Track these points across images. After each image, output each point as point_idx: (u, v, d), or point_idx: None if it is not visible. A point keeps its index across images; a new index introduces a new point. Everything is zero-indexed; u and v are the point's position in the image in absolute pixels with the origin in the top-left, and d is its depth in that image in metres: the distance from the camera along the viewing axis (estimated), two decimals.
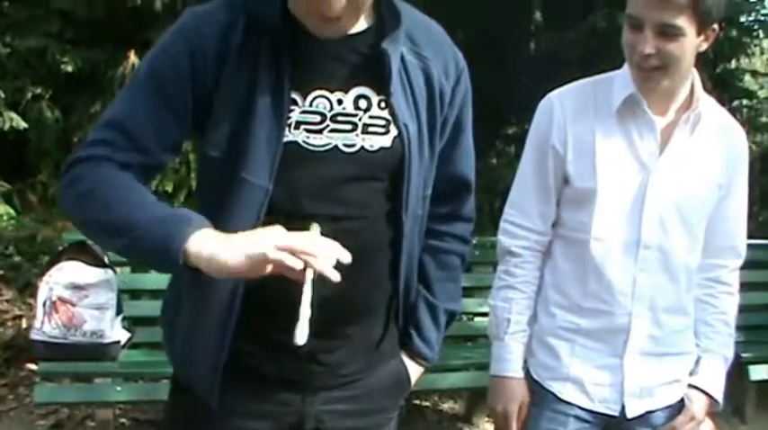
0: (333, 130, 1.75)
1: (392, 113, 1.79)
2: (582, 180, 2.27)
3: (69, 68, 6.01)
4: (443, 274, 2.04)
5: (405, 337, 2.00)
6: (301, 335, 1.54)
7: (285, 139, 1.71)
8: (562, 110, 2.29)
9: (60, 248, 4.10)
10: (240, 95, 1.71)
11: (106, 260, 3.97)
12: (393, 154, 1.79)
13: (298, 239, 1.55)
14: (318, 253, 1.54)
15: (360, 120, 1.77)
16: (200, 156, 1.78)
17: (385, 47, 1.75)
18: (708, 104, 2.29)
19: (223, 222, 1.66)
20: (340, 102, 1.76)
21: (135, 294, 4.29)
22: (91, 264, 3.92)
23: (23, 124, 5.80)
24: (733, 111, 6.75)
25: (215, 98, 1.72)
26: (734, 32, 7.60)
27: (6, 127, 5.72)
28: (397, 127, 1.79)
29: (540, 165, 2.33)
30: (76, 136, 6.17)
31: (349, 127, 1.76)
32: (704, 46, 2.19)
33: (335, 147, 1.75)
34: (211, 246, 1.57)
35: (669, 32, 2.10)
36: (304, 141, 1.73)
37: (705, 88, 2.32)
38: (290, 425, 1.88)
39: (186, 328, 1.84)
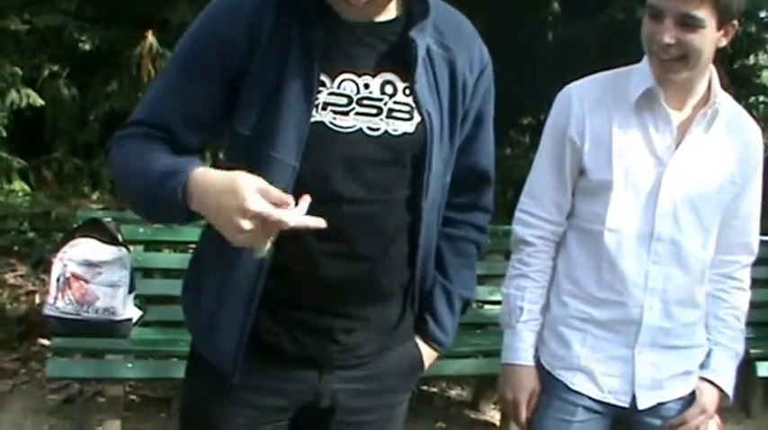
0: (358, 113, 1.78)
1: (416, 100, 1.81)
2: (598, 172, 2.27)
3: (87, 47, 6.02)
4: (459, 261, 2.07)
5: (420, 322, 2.03)
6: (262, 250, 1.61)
7: (312, 119, 1.74)
8: (580, 102, 2.30)
9: (75, 225, 4.12)
10: (270, 76, 1.74)
11: (120, 238, 3.99)
12: (415, 140, 1.82)
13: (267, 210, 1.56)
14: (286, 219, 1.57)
15: (385, 104, 1.80)
16: (230, 135, 1.81)
17: (413, 36, 1.79)
18: (725, 101, 2.29)
19: None
20: (367, 86, 1.79)
21: (148, 272, 4.32)
22: (105, 242, 3.94)
23: (40, 101, 5.82)
24: (750, 108, 6.74)
25: (246, 79, 1.75)
26: (753, 28, 7.55)
27: (23, 104, 5.74)
28: (421, 114, 1.82)
29: (556, 156, 2.33)
30: (92, 114, 6.21)
31: (374, 111, 1.79)
32: (723, 42, 2.19)
33: (360, 129, 1.78)
34: (203, 212, 1.65)
35: (689, 23, 2.11)
36: (330, 122, 1.76)
37: (722, 84, 2.33)
38: (306, 402, 1.92)
39: (210, 305, 1.87)
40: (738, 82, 7.27)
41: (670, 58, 2.15)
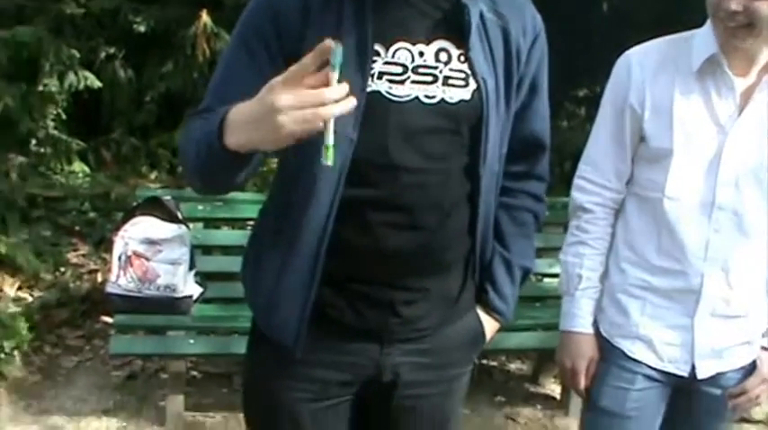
0: (414, 82, 1.77)
1: (471, 67, 1.80)
2: (658, 139, 2.25)
3: (142, 28, 6.07)
4: (517, 230, 2.06)
5: (481, 293, 2.03)
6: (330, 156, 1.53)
7: (368, 89, 1.73)
8: (641, 68, 2.27)
9: (134, 204, 4.18)
10: None
11: (180, 216, 4.04)
12: (472, 107, 1.81)
13: (306, 98, 1.49)
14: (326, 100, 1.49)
15: (440, 72, 1.79)
16: None
17: (465, 1, 1.78)
18: None
19: (309, 173, 1.74)
20: (421, 54, 1.77)
21: (207, 250, 4.36)
22: (164, 220, 4.00)
23: (98, 83, 5.88)
24: None
25: (301, 54, 1.69)
26: None
27: (81, 86, 5.80)
28: (476, 81, 1.81)
29: (616, 123, 2.31)
30: (149, 95, 6.27)
31: (430, 78, 1.78)
32: None
33: (417, 98, 1.77)
34: (237, 138, 1.58)
35: None
36: (387, 91, 1.75)
37: None
38: (369, 377, 1.94)
39: (272, 280, 1.87)
40: None
41: (736, 25, 2.11)
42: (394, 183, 1.76)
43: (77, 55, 5.83)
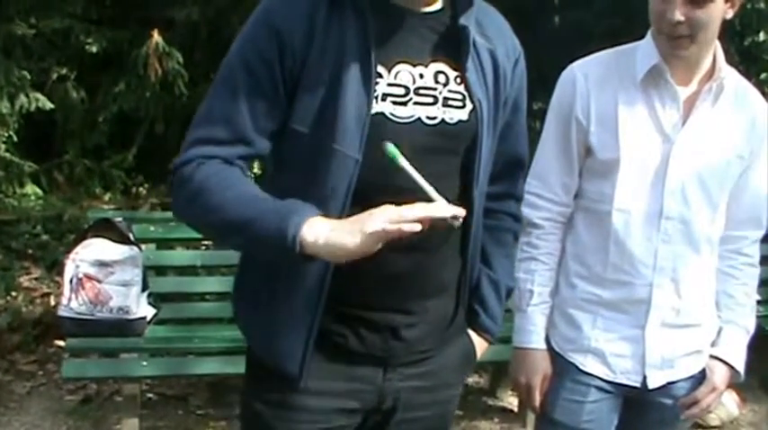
0: (416, 103, 1.79)
1: (467, 89, 1.84)
2: (605, 151, 2.26)
3: (94, 49, 6.03)
4: (501, 251, 2.10)
5: (471, 314, 2.05)
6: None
7: (373, 111, 1.74)
8: (585, 81, 2.29)
9: (86, 226, 4.13)
10: (328, 69, 1.73)
11: (131, 237, 4.00)
12: (469, 128, 1.85)
13: (406, 210, 1.59)
14: (428, 212, 1.60)
15: (440, 93, 1.81)
16: (285, 133, 1.78)
17: (464, 23, 1.82)
18: (730, 75, 2.27)
19: (315, 194, 1.73)
20: (422, 76, 1.80)
21: (160, 270, 4.32)
22: (116, 241, 3.95)
23: (49, 105, 5.82)
24: (760, 85, 6.68)
25: (303, 74, 1.74)
26: (762, 4, 7.50)
27: (32, 108, 5.73)
28: (473, 102, 1.85)
29: (562, 137, 2.32)
30: (102, 115, 6.22)
31: (431, 100, 1.80)
32: (730, 13, 2.17)
33: (419, 119, 1.79)
34: (326, 232, 1.62)
35: None
36: (390, 113, 1.77)
37: (732, 61, 2.31)
38: (372, 404, 1.93)
39: (274, 307, 1.86)
40: (749, 59, 7.21)
41: (679, 35, 2.13)
42: (397, 205, 1.71)
43: (28, 76, 5.77)
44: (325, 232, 1.61)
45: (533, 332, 2.37)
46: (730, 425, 4.66)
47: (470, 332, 2.06)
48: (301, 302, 1.81)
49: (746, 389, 4.73)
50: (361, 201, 1.72)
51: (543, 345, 2.38)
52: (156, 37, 5.80)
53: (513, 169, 2.11)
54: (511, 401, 4.73)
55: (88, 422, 4.27)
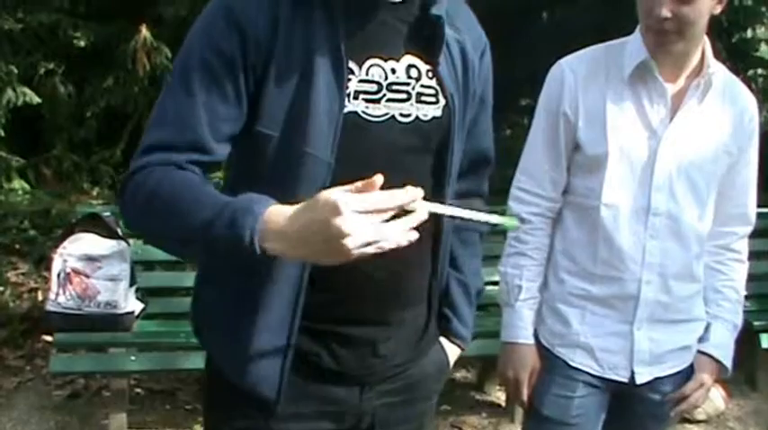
0: (390, 100, 1.68)
1: (440, 83, 1.74)
2: (593, 146, 2.26)
3: (82, 43, 6.03)
4: (468, 251, 2.01)
5: (442, 320, 1.96)
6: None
7: (345, 110, 1.62)
8: (573, 76, 2.29)
9: (73, 221, 4.12)
10: (295, 66, 1.60)
11: (119, 231, 4.00)
12: (443, 124, 1.75)
13: (372, 232, 1.38)
14: (391, 238, 1.40)
15: (413, 89, 1.71)
16: (250, 140, 1.64)
17: (437, 12, 1.71)
18: (718, 71, 2.28)
19: (286, 201, 1.52)
20: (394, 71, 1.69)
21: (148, 265, 4.33)
22: (104, 236, 3.95)
23: (37, 99, 5.81)
24: (748, 81, 6.71)
25: (269, 72, 1.60)
26: (749, 1, 7.52)
27: (20, 102, 5.74)
28: (445, 97, 1.75)
29: (550, 132, 2.32)
30: (90, 110, 6.22)
31: (404, 96, 1.70)
32: (718, 9, 2.18)
33: (393, 117, 1.68)
34: (284, 249, 1.44)
35: None
36: (363, 111, 1.65)
37: (719, 58, 2.31)
38: (349, 423, 1.82)
39: (244, 328, 1.70)
40: (737, 56, 7.24)
41: (667, 31, 2.14)
42: None
43: (15, 71, 5.75)
44: (282, 250, 1.44)
45: (521, 327, 2.37)
46: (717, 419, 4.68)
47: (442, 339, 1.96)
48: (275, 320, 1.68)
49: (733, 384, 4.76)
50: None
51: (531, 340, 2.38)
52: (145, 32, 5.80)
53: (479, 166, 2.00)
54: (499, 396, 4.74)
55: (76, 417, 4.26)
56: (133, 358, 3.89)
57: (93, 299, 3.85)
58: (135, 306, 4.00)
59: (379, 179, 1.39)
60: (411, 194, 1.41)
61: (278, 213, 1.44)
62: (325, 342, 1.73)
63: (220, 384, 1.78)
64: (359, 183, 1.40)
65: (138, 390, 4.48)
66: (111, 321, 3.89)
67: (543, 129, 2.35)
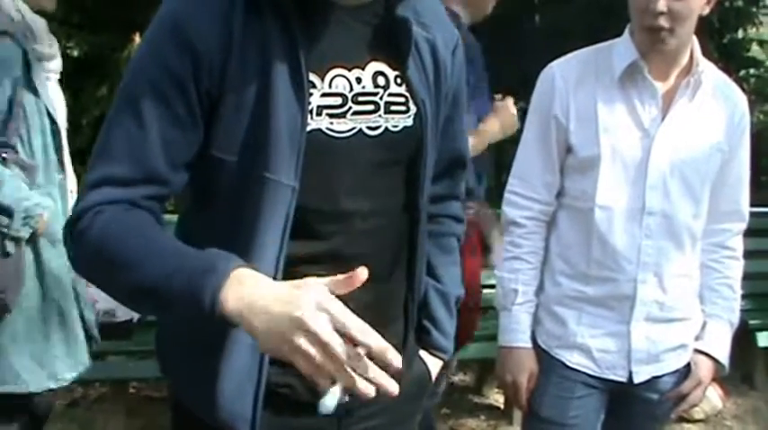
0: (355, 113, 1.53)
1: (410, 89, 1.60)
2: (585, 149, 2.28)
3: (76, 53, 6.02)
4: (446, 259, 1.89)
5: (421, 332, 1.83)
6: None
7: (308, 128, 1.48)
8: (564, 79, 2.31)
9: None
10: (252, 83, 1.46)
11: None
12: (414, 134, 1.61)
13: (338, 346, 1.27)
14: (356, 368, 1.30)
15: (381, 98, 1.57)
16: (206, 166, 1.50)
17: (402, 14, 1.57)
18: (707, 69, 2.30)
19: (247, 229, 1.48)
20: (359, 80, 1.54)
21: None
22: None
23: None
24: (740, 81, 6.73)
25: (223, 93, 1.45)
26: (740, 2, 7.55)
27: None
28: (416, 104, 1.61)
29: (542, 136, 2.34)
30: (85, 119, 6.20)
31: (371, 107, 1.55)
32: (706, 10, 2.20)
33: (360, 131, 1.54)
34: (247, 327, 1.32)
35: None
36: (328, 128, 1.51)
37: (711, 58, 2.33)
38: None
39: (213, 363, 1.55)
40: (728, 56, 7.27)
41: (660, 28, 2.16)
42: (347, 233, 1.54)
43: None
44: (246, 322, 1.31)
45: (519, 331, 2.38)
46: (714, 418, 4.70)
47: (421, 352, 1.82)
48: (244, 350, 1.53)
49: (730, 383, 4.77)
50: (303, 231, 1.51)
51: (529, 344, 2.39)
52: (138, 40, 5.79)
53: (453, 168, 1.87)
54: (497, 399, 4.75)
55: (76, 425, 4.26)
56: (132, 366, 3.89)
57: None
58: (133, 314, 3.98)
59: (363, 273, 1.29)
60: (391, 354, 1.29)
61: (256, 291, 1.32)
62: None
63: (191, 420, 1.62)
64: (341, 277, 1.30)
65: (138, 398, 4.47)
66: (110, 329, 3.87)
67: (535, 132, 2.37)
